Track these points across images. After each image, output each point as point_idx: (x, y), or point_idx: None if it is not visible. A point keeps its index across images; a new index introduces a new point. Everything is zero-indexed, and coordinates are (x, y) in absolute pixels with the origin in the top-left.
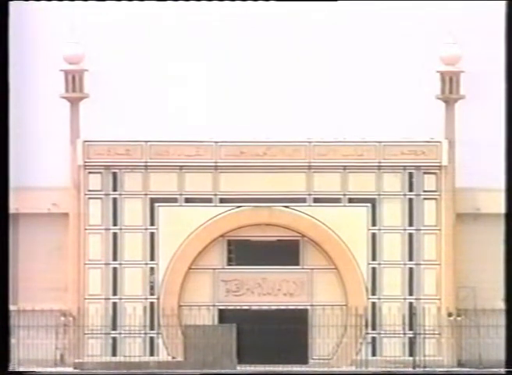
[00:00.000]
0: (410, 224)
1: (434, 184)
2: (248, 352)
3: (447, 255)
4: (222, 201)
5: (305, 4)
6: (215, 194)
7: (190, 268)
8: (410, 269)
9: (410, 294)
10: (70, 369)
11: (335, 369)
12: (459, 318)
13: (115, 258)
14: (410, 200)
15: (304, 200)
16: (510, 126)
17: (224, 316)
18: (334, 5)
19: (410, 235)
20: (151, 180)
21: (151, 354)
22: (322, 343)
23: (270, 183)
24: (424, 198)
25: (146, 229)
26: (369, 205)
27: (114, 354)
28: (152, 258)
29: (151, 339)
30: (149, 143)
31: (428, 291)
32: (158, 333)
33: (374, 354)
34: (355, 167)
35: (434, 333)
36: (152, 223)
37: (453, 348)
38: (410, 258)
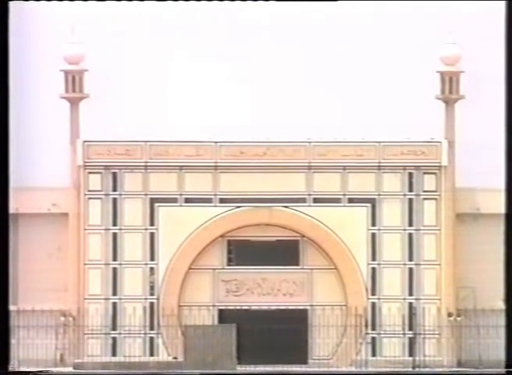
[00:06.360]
0: (410, 224)
1: (434, 184)
2: (248, 352)
3: (447, 255)
4: (221, 201)
5: (305, 4)
6: (215, 194)
7: (190, 268)
8: (410, 270)
9: (410, 294)
10: (70, 369)
11: (335, 369)
12: (459, 318)
13: (115, 259)
14: (410, 200)
15: (303, 200)
16: (510, 126)
17: (224, 316)
18: (334, 5)
19: (410, 235)
20: (151, 180)
21: (151, 354)
22: (322, 343)
23: (270, 183)
24: (424, 198)
25: (146, 229)
26: (369, 205)
27: (114, 354)
28: (152, 259)
29: (151, 339)
30: (149, 143)
31: (428, 291)
32: (157, 334)
33: (374, 354)
34: (355, 167)
35: (434, 334)
36: (152, 223)
37: (453, 348)
38: (410, 259)
